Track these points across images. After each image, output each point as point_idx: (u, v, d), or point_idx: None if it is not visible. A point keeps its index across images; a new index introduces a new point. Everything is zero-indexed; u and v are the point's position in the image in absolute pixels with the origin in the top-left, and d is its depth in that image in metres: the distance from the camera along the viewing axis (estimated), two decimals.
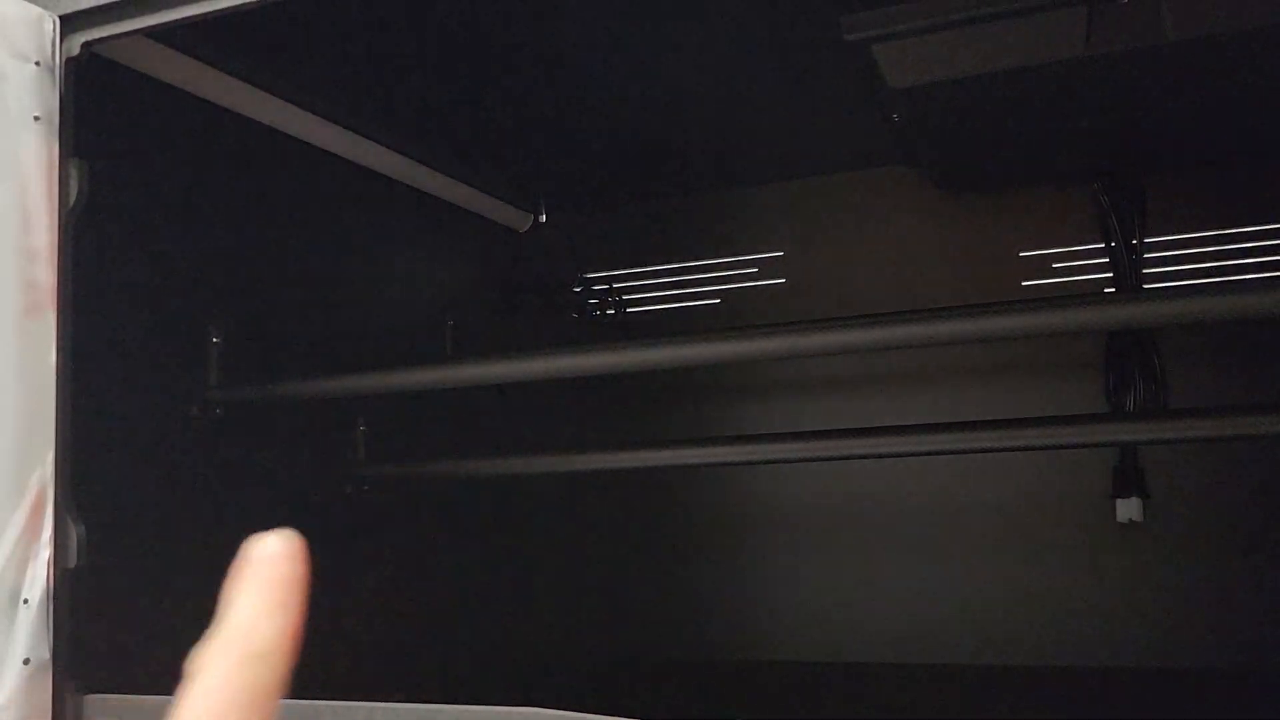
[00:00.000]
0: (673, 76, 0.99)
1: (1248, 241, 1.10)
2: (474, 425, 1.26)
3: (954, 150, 1.01)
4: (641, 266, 1.34)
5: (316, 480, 1.00)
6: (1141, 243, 1.12)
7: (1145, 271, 1.12)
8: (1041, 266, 1.18)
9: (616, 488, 1.31)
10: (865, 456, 0.89)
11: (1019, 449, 0.84)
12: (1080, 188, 1.16)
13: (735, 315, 1.28)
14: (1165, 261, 1.13)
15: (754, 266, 1.28)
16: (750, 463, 1.01)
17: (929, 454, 0.87)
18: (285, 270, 0.98)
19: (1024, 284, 1.18)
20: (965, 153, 1.02)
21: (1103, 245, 1.14)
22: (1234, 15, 0.74)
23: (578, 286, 1.35)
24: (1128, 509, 1.08)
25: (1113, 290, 1.13)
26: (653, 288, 1.33)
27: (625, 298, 1.34)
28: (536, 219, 1.36)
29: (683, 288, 1.31)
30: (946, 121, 0.92)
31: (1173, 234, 1.13)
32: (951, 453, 0.86)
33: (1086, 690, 1.05)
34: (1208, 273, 1.11)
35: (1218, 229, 1.11)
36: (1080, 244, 1.16)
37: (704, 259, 1.31)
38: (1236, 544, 1.07)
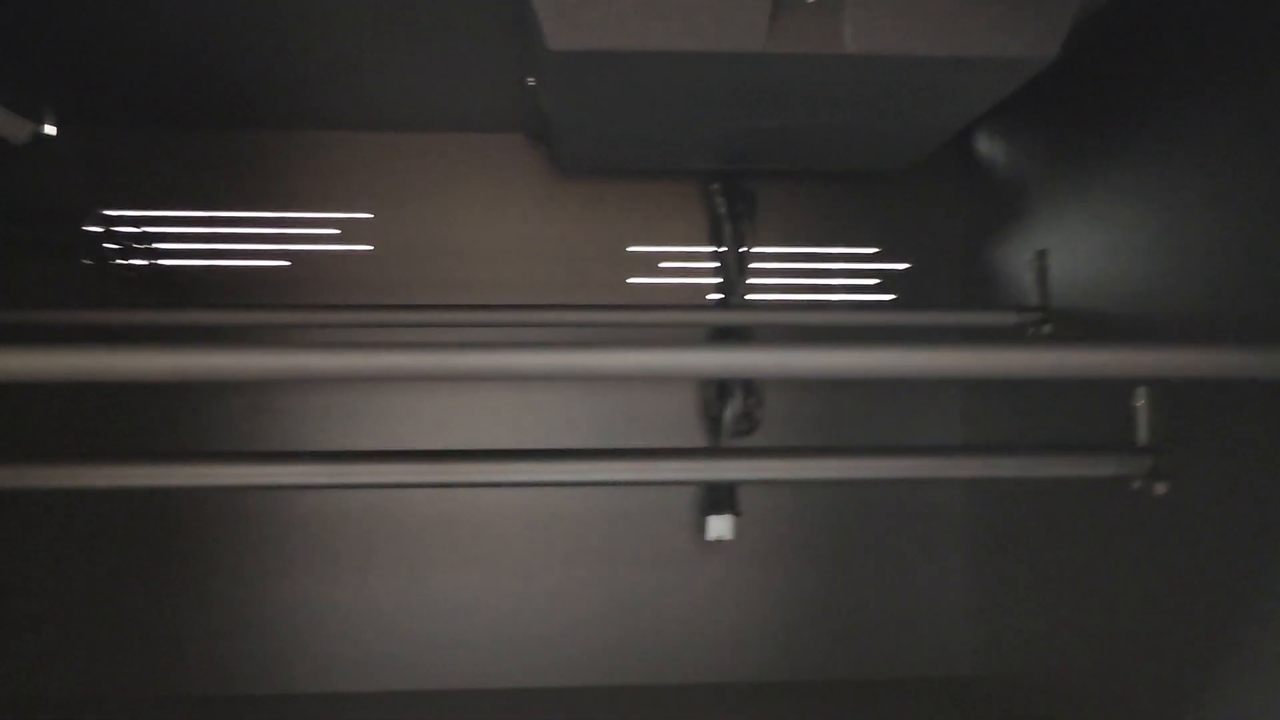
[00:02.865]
0: None
1: (847, 262, 1.12)
2: None
3: (588, 129, 0.89)
4: (188, 209, 1.06)
5: None
6: (749, 251, 1.09)
7: (749, 282, 1.10)
8: (649, 264, 1.11)
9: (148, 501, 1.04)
10: (438, 485, 0.73)
11: (612, 484, 0.74)
12: (697, 187, 1.11)
13: (307, 283, 1.06)
14: (768, 273, 1.12)
15: (336, 227, 1.08)
16: (323, 487, 0.82)
17: (509, 485, 0.73)
18: None
19: (629, 280, 1.11)
20: (599, 134, 0.91)
21: (713, 250, 1.10)
22: (909, 38, 0.69)
23: (96, 225, 1.04)
24: (719, 527, 1.05)
25: (720, 297, 1.10)
26: (202, 238, 1.06)
27: (160, 246, 1.06)
28: (39, 129, 1.02)
29: (243, 242, 1.07)
30: (593, 97, 0.80)
31: (778, 245, 1.12)
32: (537, 484, 0.72)
33: (673, 706, 1.01)
34: (805, 288, 1.11)
35: (822, 246, 1.12)
36: (691, 244, 1.11)
37: (274, 210, 1.07)
38: (821, 561, 1.09)
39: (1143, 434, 0.75)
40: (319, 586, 1.05)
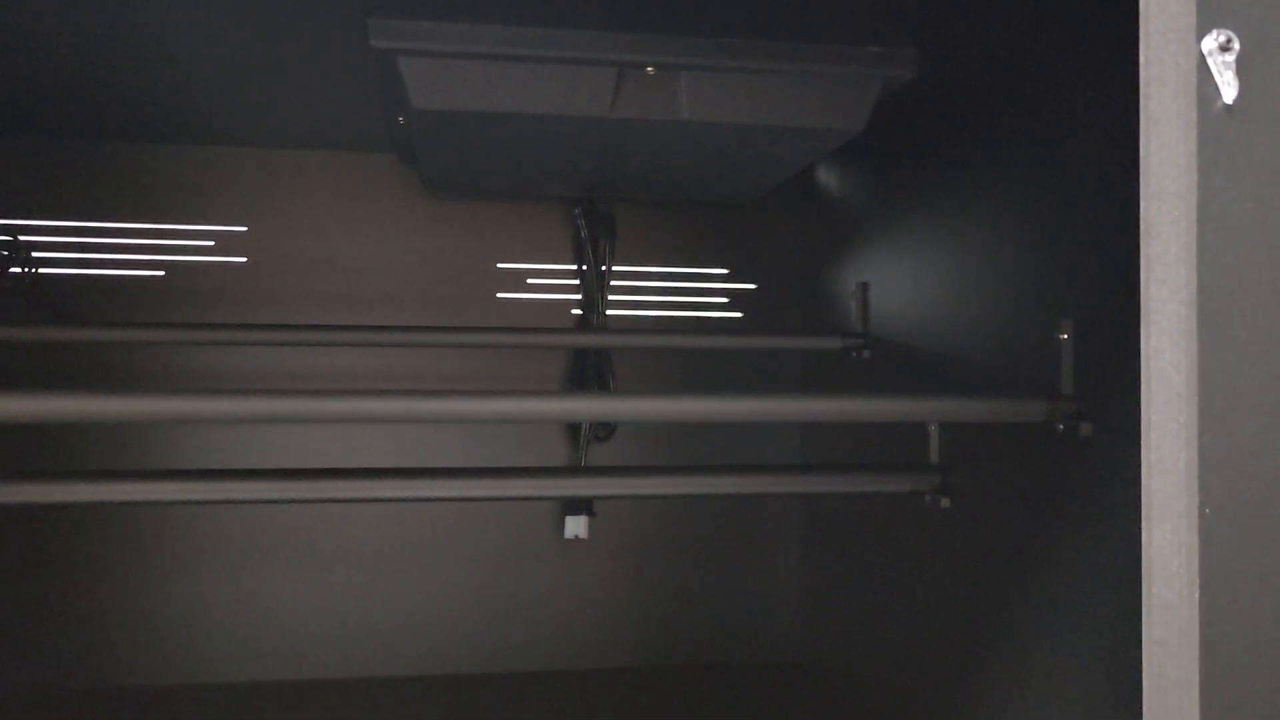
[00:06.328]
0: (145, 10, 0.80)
1: (699, 282, 1.22)
2: None
3: (455, 164, 0.96)
4: (64, 219, 1.09)
5: None
6: (610, 270, 1.18)
7: (610, 298, 1.19)
8: (517, 281, 1.19)
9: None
10: (308, 501, 0.79)
11: (475, 499, 0.83)
12: (562, 210, 1.19)
13: (183, 293, 1.10)
14: (627, 290, 1.21)
15: (211, 239, 1.12)
16: (203, 503, 0.87)
17: (375, 501, 0.80)
18: None
19: (500, 295, 1.18)
20: (465, 169, 0.98)
21: (577, 268, 1.19)
22: (736, 109, 0.79)
23: None
24: (575, 526, 1.14)
25: (580, 312, 1.18)
26: (79, 247, 1.09)
27: (38, 255, 1.08)
28: None
29: (119, 252, 1.10)
30: (456, 143, 0.87)
31: (637, 265, 1.21)
32: (401, 500, 0.80)
33: (535, 693, 1.10)
34: (661, 305, 1.21)
35: (677, 266, 1.21)
36: (556, 262, 1.19)
37: (150, 221, 1.10)
38: (667, 558, 1.19)
39: (934, 455, 0.87)
40: (200, 585, 1.10)
